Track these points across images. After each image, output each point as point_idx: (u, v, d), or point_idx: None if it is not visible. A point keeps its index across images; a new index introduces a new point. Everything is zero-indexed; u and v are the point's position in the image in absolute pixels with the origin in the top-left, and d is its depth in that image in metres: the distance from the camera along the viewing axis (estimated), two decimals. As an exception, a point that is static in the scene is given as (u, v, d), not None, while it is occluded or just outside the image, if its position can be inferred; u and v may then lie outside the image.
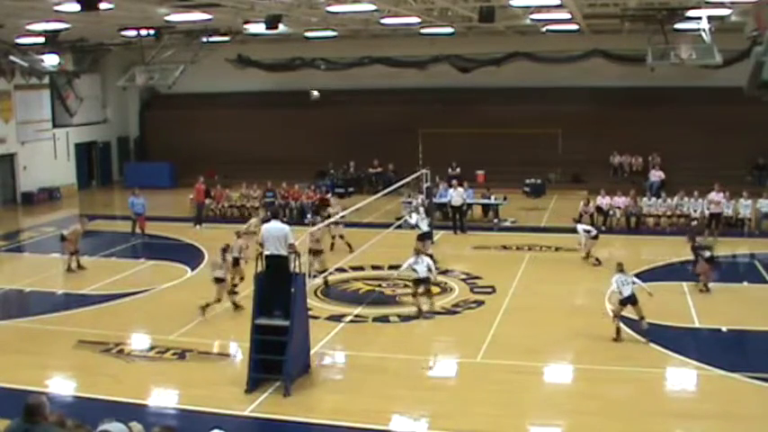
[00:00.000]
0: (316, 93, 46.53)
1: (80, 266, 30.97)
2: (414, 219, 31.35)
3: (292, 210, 39.79)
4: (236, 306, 24.76)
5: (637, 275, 23.70)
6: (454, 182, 38.14)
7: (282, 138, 51.31)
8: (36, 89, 48.26)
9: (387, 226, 33.85)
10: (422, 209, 32.72)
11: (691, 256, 27.86)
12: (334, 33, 42.69)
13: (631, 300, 21.90)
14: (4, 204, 46.62)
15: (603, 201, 37.62)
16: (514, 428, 17.21)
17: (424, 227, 30.96)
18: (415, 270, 24.48)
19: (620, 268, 22.57)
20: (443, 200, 38.14)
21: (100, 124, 54.84)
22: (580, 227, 32.09)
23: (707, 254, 26.73)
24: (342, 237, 32.46)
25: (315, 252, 27.02)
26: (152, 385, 19.57)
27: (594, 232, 31.59)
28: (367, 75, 49.73)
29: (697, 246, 27.36)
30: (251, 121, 52.73)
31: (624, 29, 39.12)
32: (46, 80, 48.00)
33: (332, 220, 30.83)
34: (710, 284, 26.29)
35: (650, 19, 32.88)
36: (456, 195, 36.80)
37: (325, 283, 27.82)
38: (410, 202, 36.81)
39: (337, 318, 24.43)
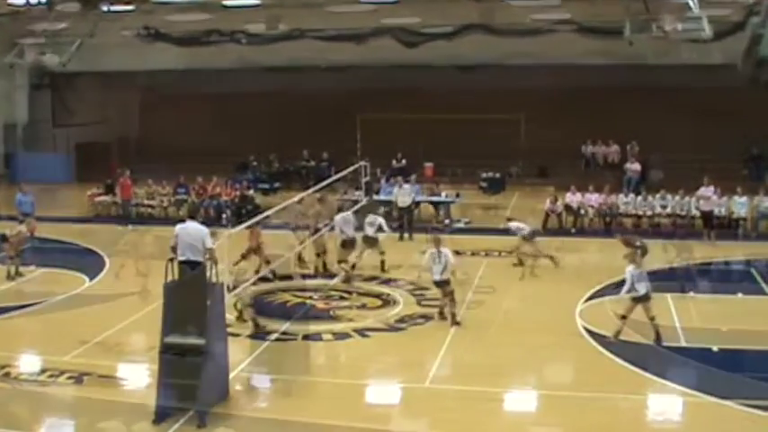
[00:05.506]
0: None
1: (18, 273, 30.97)
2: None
3: (208, 208, 39.56)
4: None
5: (613, 285, 23.68)
6: (399, 178, 38.00)
7: (197, 124, 51.25)
8: None
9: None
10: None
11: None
12: (257, 2, 42.54)
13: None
14: None
15: (574, 198, 37.72)
16: (469, 464, 17.22)
17: (370, 232, 31.03)
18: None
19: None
20: (385, 197, 38.13)
21: (-20, 108, 54.20)
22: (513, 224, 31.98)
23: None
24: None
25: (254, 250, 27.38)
26: (44, 414, 19.30)
27: (527, 230, 31.43)
28: (296, 50, 49.33)
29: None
30: (161, 104, 52.49)
31: (598, -4, 39.38)
32: None
33: None
34: (698, 295, 26.11)
35: (629, -16, 33.11)
36: (402, 194, 36.63)
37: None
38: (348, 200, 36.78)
39: (261, 335, 24.28)
